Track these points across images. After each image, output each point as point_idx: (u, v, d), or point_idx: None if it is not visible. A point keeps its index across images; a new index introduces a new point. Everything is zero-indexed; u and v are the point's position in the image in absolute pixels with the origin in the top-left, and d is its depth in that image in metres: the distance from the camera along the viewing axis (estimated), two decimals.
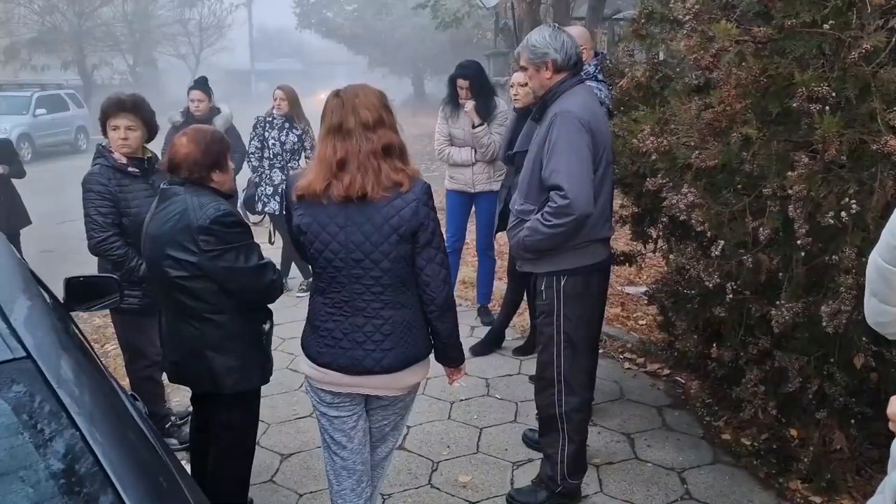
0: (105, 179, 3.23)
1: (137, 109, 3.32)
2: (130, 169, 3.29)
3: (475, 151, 4.82)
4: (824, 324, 2.32)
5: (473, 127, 4.71)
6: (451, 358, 2.48)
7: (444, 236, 5.12)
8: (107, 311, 4.84)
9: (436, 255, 2.28)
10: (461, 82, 4.77)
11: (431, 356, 2.45)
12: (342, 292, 2.27)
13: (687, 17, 2.52)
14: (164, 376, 3.49)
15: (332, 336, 2.30)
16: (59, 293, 2.35)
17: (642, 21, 3.14)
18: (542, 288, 2.93)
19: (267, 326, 2.75)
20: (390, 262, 2.21)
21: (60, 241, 8.46)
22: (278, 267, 2.79)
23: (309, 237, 2.24)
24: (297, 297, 5.81)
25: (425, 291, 2.30)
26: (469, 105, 4.69)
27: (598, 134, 2.76)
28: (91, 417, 1.36)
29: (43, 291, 1.91)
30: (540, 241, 2.77)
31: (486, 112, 4.72)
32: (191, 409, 3.03)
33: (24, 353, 1.40)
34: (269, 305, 2.80)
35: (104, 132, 3.33)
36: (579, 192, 2.64)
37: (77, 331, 2.07)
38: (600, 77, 3.60)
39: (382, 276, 2.23)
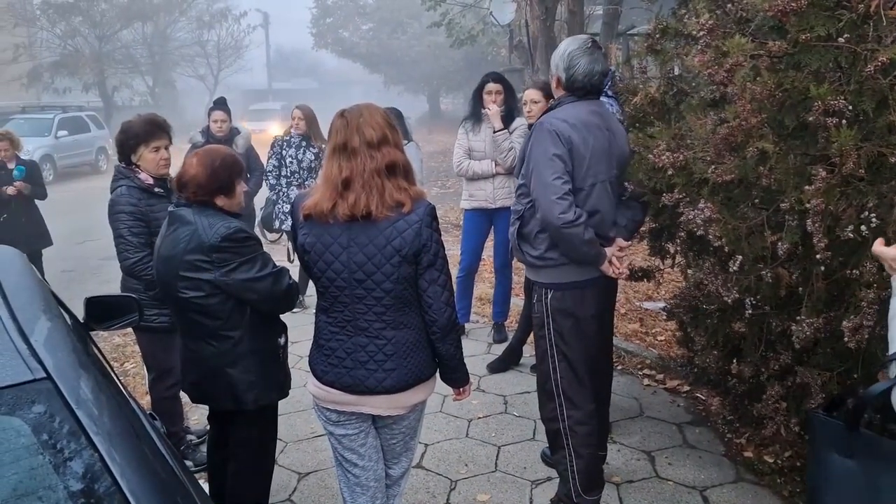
0: (135, 200, 3.26)
1: (170, 130, 3.43)
2: (157, 189, 3.33)
3: (495, 164, 4.81)
4: (846, 339, 2.28)
5: (494, 132, 4.68)
6: (455, 379, 2.48)
7: (459, 257, 5.15)
8: (127, 331, 4.88)
9: (438, 277, 2.27)
10: (492, 86, 4.75)
11: (436, 375, 2.46)
12: (345, 312, 2.28)
13: (701, 33, 2.51)
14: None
15: (335, 355, 2.31)
16: (79, 312, 2.37)
17: (657, 36, 3.13)
18: (534, 300, 2.96)
19: (282, 340, 2.77)
20: (392, 282, 2.22)
21: (81, 261, 8.59)
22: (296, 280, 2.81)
23: (312, 256, 2.26)
24: (315, 314, 5.83)
25: (427, 313, 2.30)
26: (493, 109, 4.67)
27: (579, 147, 2.75)
28: (109, 438, 1.37)
29: (63, 312, 1.93)
30: (570, 253, 2.79)
31: (507, 120, 4.72)
32: (208, 427, 3.04)
33: (43, 374, 1.42)
34: (285, 321, 2.83)
35: (131, 154, 3.33)
36: (546, 207, 2.69)
37: (96, 350, 2.09)
38: (610, 93, 3.61)
39: (384, 296, 2.23)
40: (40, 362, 1.44)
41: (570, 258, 2.81)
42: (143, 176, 3.31)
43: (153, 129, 3.33)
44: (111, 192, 3.36)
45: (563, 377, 2.93)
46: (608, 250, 2.86)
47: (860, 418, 2.01)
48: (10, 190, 5.82)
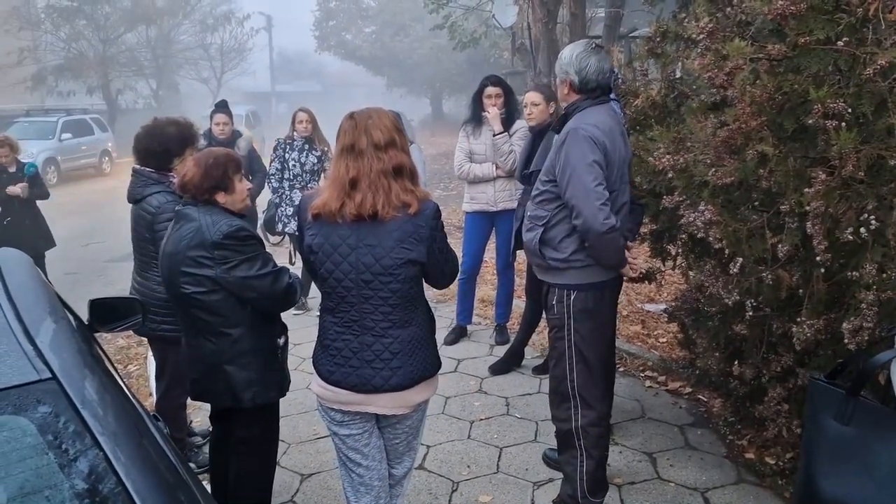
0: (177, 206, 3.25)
1: None
2: None
3: (496, 167, 4.82)
4: (846, 340, 2.30)
5: (494, 135, 4.69)
6: None
7: (461, 260, 5.16)
8: (130, 333, 4.89)
9: (445, 265, 2.39)
10: (491, 89, 4.75)
11: (438, 375, 2.48)
12: (351, 312, 2.30)
13: (701, 36, 2.53)
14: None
15: (341, 355, 2.33)
16: (83, 314, 2.39)
17: (657, 40, 3.15)
18: (553, 302, 2.96)
19: (282, 340, 2.80)
20: (399, 282, 2.25)
21: (85, 263, 8.62)
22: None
23: (320, 257, 2.28)
24: (317, 316, 5.84)
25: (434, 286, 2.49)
26: (493, 112, 4.68)
27: (611, 153, 2.78)
28: (114, 437, 1.38)
29: (68, 313, 1.95)
30: (602, 259, 2.83)
31: (508, 123, 4.73)
32: (211, 428, 3.06)
33: (49, 375, 1.44)
34: (286, 322, 2.86)
35: (175, 158, 3.31)
36: (590, 213, 2.69)
37: (101, 352, 2.11)
38: (612, 96, 3.63)
39: (391, 296, 2.26)
40: (46, 363, 1.46)
41: (598, 261, 2.85)
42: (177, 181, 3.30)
43: (194, 132, 3.37)
44: (136, 199, 3.31)
45: (579, 377, 2.94)
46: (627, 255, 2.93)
47: (861, 386, 2.01)
48: (13, 189, 5.85)
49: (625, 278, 3.09)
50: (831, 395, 2.07)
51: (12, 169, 5.99)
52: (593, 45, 2.93)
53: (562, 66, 2.92)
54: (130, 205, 3.39)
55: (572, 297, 2.90)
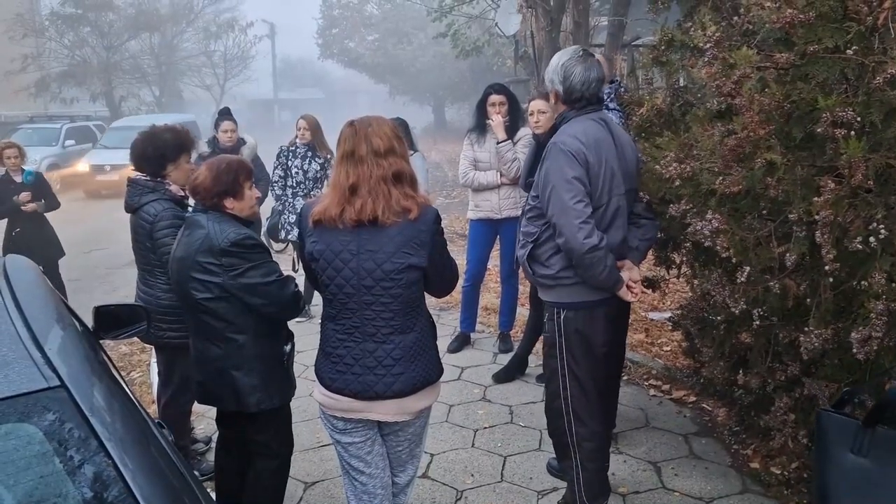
0: (177, 213, 3.23)
1: None
2: (186, 201, 3.32)
3: (500, 175, 4.82)
4: (854, 350, 2.28)
5: (497, 143, 4.69)
6: None
7: (465, 267, 5.16)
8: (133, 340, 4.88)
9: (444, 272, 2.41)
10: (495, 97, 4.75)
11: (440, 381, 2.48)
12: (353, 318, 2.31)
13: (707, 45, 2.53)
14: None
15: (343, 362, 2.33)
16: (88, 321, 2.39)
17: (662, 48, 3.15)
18: (546, 319, 2.93)
19: (288, 347, 2.83)
20: (401, 288, 2.26)
21: (87, 270, 8.62)
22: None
23: (321, 264, 2.29)
24: (319, 324, 5.83)
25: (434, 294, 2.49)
26: (497, 120, 4.68)
27: (594, 165, 2.69)
28: (122, 444, 1.38)
29: (74, 320, 1.95)
30: (590, 279, 2.74)
31: (511, 131, 4.74)
32: (215, 434, 3.06)
33: (58, 382, 1.43)
34: (292, 329, 2.87)
35: (168, 165, 3.30)
36: (569, 232, 2.64)
37: (107, 358, 2.10)
38: (612, 105, 3.60)
39: (392, 301, 2.27)
40: (54, 370, 1.46)
41: (587, 281, 2.76)
42: (174, 188, 3.30)
43: (191, 139, 3.38)
44: (133, 209, 3.30)
45: (573, 396, 2.90)
46: (624, 274, 2.82)
47: (880, 417, 1.98)
48: (30, 206, 5.88)
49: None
50: (846, 427, 2.02)
51: (18, 178, 6.01)
52: (581, 53, 2.84)
53: (548, 74, 2.85)
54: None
55: (562, 316, 2.84)
